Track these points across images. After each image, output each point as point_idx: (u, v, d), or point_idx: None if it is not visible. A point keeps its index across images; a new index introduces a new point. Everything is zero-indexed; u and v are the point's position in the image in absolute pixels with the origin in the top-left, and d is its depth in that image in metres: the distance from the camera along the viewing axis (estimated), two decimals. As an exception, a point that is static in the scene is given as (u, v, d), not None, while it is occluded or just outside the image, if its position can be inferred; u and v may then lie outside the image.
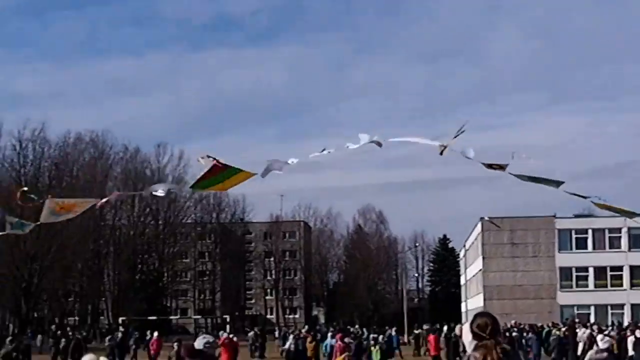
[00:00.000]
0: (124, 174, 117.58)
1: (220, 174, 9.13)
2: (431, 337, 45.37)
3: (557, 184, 9.08)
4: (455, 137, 8.78)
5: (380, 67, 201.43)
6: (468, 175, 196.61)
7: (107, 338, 70.51)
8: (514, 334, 52.13)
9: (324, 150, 9.67)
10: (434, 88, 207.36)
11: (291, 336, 48.33)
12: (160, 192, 10.51)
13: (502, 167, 8.86)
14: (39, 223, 10.36)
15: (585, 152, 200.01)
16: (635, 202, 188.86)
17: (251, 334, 67.80)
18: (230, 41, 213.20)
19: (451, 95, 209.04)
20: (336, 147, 9.54)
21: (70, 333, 67.58)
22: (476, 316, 8.01)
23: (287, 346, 42.49)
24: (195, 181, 9.37)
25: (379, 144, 9.34)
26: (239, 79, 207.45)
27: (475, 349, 7.76)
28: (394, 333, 59.59)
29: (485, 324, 7.78)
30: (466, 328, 8.92)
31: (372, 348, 36.40)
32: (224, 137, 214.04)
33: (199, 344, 10.07)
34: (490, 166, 8.87)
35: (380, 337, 46.91)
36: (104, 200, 10.54)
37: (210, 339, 10.58)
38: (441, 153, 8.89)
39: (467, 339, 8.73)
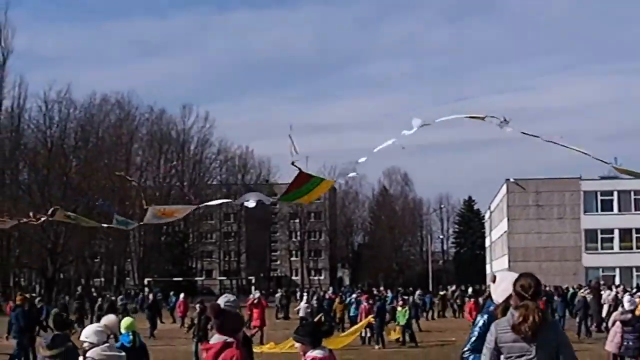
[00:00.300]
0: (149, 135, 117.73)
1: (305, 185, 9.61)
2: (471, 303, 44.44)
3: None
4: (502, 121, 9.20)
5: (405, 26, 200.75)
6: (493, 137, 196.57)
7: (139, 299, 71.21)
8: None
9: (388, 141, 9.76)
10: (459, 47, 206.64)
11: (305, 297, 47.32)
12: (251, 202, 10.85)
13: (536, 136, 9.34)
14: (141, 223, 11.20)
15: (611, 114, 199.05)
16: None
17: (278, 295, 68.19)
18: (255, 1, 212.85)
19: (477, 55, 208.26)
20: (393, 136, 9.79)
21: (95, 294, 68.17)
22: (520, 276, 8.15)
23: (301, 312, 40.91)
24: (283, 193, 10.08)
25: (429, 124, 9.65)
26: (264, 39, 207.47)
27: (516, 307, 7.86)
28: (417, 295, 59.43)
29: (529, 285, 7.92)
30: (502, 276, 9.00)
31: (400, 309, 36.26)
32: (249, 98, 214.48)
33: (220, 303, 10.13)
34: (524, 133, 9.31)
35: (411, 297, 46.27)
36: (203, 204, 11.45)
37: (232, 297, 10.62)
38: (483, 118, 9.34)
39: (500, 287, 8.80)
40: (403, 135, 9.65)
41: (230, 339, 9.49)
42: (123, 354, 10.07)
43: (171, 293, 60.25)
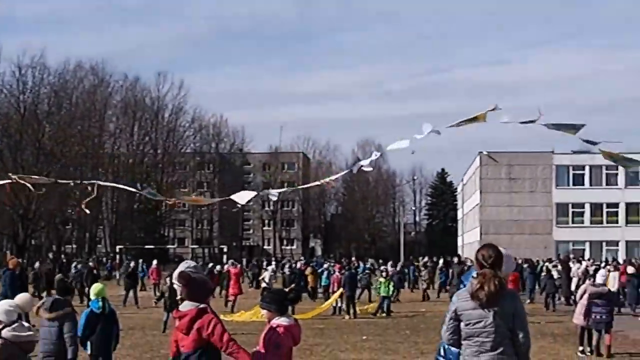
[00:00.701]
0: (123, 102, 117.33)
1: None
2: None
3: (576, 130, 9.62)
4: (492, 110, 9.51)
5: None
6: (467, 109, 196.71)
7: (109, 266, 71.07)
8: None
9: (400, 139, 10.26)
10: (436, 20, 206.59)
11: (270, 267, 47.16)
12: (273, 195, 11.09)
13: (532, 121, 9.68)
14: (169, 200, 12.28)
15: (586, 88, 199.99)
16: (627, 139, 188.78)
17: (252, 264, 68.69)
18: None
19: (453, 28, 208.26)
20: (406, 138, 10.20)
21: (65, 261, 67.92)
22: (483, 246, 8.32)
23: (267, 280, 40.20)
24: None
25: (438, 132, 10.00)
26: (240, 8, 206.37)
27: (476, 276, 8.06)
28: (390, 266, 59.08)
29: (489, 255, 8.10)
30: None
31: (383, 280, 36.37)
32: (224, 67, 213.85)
33: (182, 268, 10.21)
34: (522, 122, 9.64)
35: (391, 268, 45.51)
36: (229, 197, 11.45)
37: (192, 263, 10.68)
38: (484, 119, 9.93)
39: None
40: (414, 139, 9.93)
41: (202, 305, 9.58)
42: (31, 333, 10.01)
43: (140, 261, 60.03)
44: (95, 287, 14.68)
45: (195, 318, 9.44)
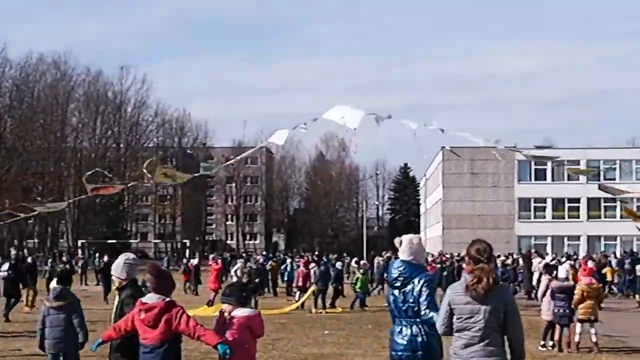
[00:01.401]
0: (86, 96, 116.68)
1: None
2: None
3: (560, 163, 10.09)
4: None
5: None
6: (431, 102, 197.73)
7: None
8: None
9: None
10: (400, 13, 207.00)
11: (240, 261, 47.14)
12: (279, 140, 11.14)
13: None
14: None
15: (545, 83, 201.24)
16: (586, 132, 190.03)
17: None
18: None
19: (417, 21, 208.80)
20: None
21: (27, 255, 67.46)
22: (475, 241, 8.63)
23: (239, 274, 39.41)
24: None
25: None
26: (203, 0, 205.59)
27: (471, 271, 8.28)
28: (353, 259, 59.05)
29: (484, 249, 8.44)
30: (403, 238, 10.52)
31: (361, 275, 36.47)
32: (188, 60, 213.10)
33: (122, 260, 10.30)
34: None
35: (362, 262, 45.20)
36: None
37: (131, 255, 10.75)
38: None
39: (405, 246, 10.31)
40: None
41: (169, 298, 9.65)
42: None
43: (96, 255, 59.67)
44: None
45: (164, 311, 9.48)
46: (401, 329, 10.02)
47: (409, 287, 10.00)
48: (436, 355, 9.96)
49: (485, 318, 8.06)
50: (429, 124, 10.00)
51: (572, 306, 21.24)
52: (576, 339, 21.23)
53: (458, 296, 8.23)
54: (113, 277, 10.65)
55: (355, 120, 10.00)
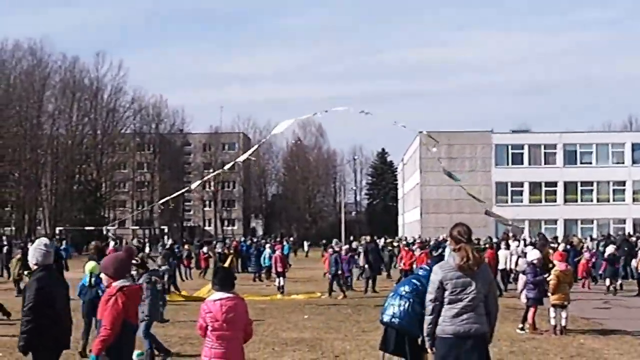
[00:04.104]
0: (62, 83, 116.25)
1: None
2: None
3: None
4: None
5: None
6: (407, 88, 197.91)
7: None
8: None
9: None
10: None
11: (219, 244, 47.12)
12: (282, 127, 11.30)
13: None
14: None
15: (521, 70, 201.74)
16: (559, 120, 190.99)
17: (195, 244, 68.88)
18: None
19: (389, 7, 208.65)
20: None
21: (6, 243, 67.28)
22: (457, 225, 9.63)
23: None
24: None
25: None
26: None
27: (456, 250, 9.43)
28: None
29: (465, 231, 9.48)
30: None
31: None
32: (165, 47, 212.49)
33: (35, 245, 10.40)
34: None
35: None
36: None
37: (46, 240, 10.79)
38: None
39: None
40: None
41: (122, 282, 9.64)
42: None
43: (64, 242, 59.41)
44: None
45: (134, 293, 9.65)
46: None
47: None
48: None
49: (477, 289, 9.26)
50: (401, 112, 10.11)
51: (549, 293, 21.50)
52: (552, 322, 21.41)
53: (450, 272, 9.29)
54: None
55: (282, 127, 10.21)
